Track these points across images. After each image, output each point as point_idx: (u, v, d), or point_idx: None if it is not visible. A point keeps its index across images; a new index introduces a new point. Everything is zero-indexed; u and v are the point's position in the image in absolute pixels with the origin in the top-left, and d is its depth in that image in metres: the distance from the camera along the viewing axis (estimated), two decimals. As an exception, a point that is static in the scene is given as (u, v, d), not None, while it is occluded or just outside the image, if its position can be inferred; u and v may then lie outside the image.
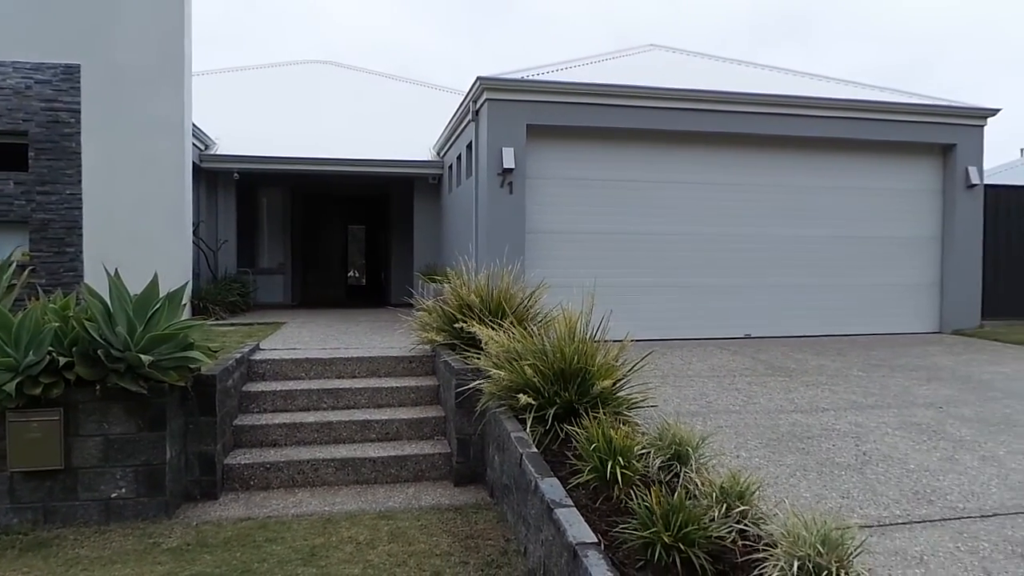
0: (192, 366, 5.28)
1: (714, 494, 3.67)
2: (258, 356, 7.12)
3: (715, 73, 12.90)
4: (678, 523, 3.23)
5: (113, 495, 5.03)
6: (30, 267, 9.32)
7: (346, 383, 6.82)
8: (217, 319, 11.14)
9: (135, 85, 10.68)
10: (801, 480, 4.78)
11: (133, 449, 5.05)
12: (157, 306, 5.21)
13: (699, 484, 3.87)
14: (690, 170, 10.75)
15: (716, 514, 3.48)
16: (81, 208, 10.58)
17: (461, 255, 9.39)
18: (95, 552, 4.55)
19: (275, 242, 16.44)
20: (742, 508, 3.57)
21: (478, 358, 5.71)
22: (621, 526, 3.42)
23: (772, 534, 3.23)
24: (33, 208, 10.48)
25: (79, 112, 10.58)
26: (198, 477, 5.45)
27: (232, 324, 10.45)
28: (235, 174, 14.01)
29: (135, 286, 5.31)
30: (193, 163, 12.19)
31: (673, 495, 3.49)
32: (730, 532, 3.40)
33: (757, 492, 3.75)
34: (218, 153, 13.65)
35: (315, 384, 6.75)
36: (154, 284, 5.31)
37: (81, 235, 10.57)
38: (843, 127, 11.00)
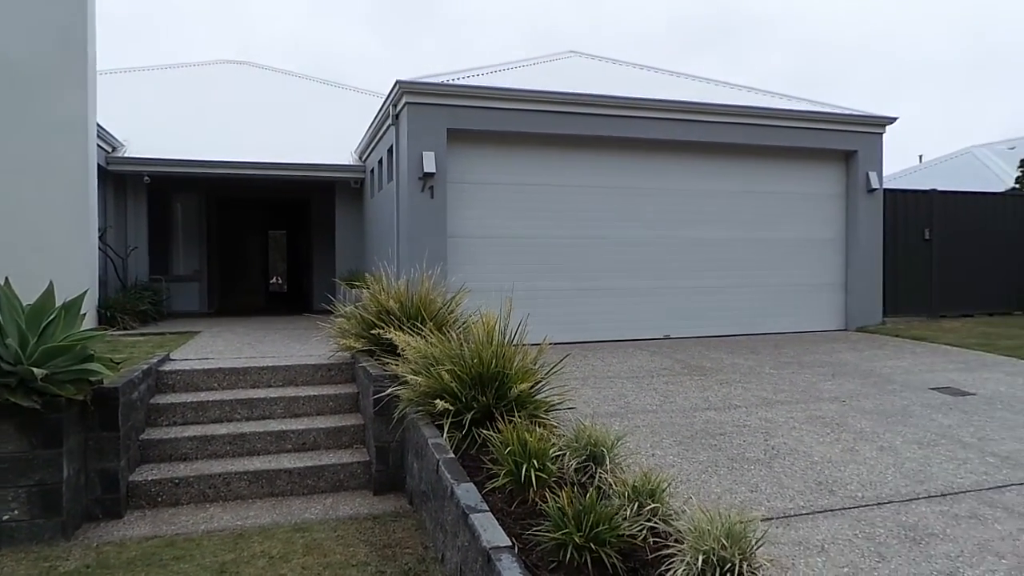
0: (92, 379, 5.03)
1: (626, 493, 3.73)
2: (168, 367, 6.84)
3: (633, 80, 13.20)
4: (589, 523, 3.27)
5: (4, 518, 4.72)
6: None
7: (261, 393, 6.63)
8: (126, 329, 10.65)
9: (32, 82, 10.10)
10: (712, 476, 4.93)
11: (26, 468, 4.76)
12: (52, 316, 4.93)
13: (613, 484, 3.93)
14: (610, 175, 10.95)
15: (628, 513, 3.54)
16: (-27, 213, 9.93)
17: (382, 260, 9.30)
18: (-17, 580, 4.27)
19: (190, 248, 15.85)
20: (653, 506, 3.65)
21: (397, 364, 5.65)
22: (535, 528, 3.44)
23: (680, 530, 3.32)
24: (-82, 214, 9.77)
25: (-31, 111, 9.93)
26: (100, 496, 5.19)
27: (143, 334, 10.02)
28: (145, 177, 13.44)
29: (35, 295, 5.02)
30: (99, 166, 11.63)
31: (585, 496, 3.54)
32: (641, 530, 3.46)
33: (668, 489, 3.84)
34: (127, 156, 13.06)
35: (228, 395, 6.53)
36: (49, 293, 5.03)
37: (-27, 242, 9.92)
38: (753, 133, 11.43)
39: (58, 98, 10.23)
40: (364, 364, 6.34)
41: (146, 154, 13.25)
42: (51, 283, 5.14)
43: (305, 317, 13.19)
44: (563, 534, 3.27)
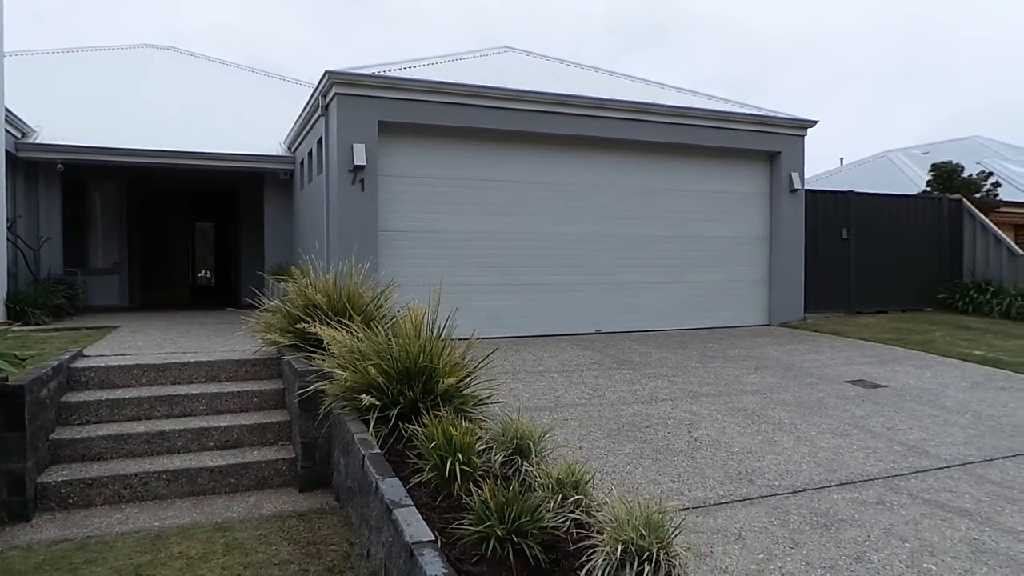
0: (-5, 376, 4.77)
1: (551, 485, 3.77)
2: (81, 363, 6.54)
3: (567, 77, 13.30)
4: (512, 516, 3.29)
5: None
6: None
7: (182, 389, 6.42)
8: (38, 324, 10.12)
9: (-67, 63, 9.50)
10: (637, 467, 5.02)
11: (-79, 471, 4.49)
12: (-49, 310, 4.65)
13: (538, 476, 3.97)
14: (539, 170, 11.00)
15: (552, 505, 3.58)
16: None
17: (311, 254, 9.11)
18: None
19: (109, 240, 15.17)
20: (576, 498, 3.70)
21: (323, 359, 5.55)
22: (459, 522, 3.44)
23: (601, 521, 3.37)
24: None
25: None
26: (5, 498, 4.93)
27: (56, 329, 9.54)
28: (59, 165, 12.77)
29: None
30: (8, 152, 11.01)
31: (509, 489, 3.56)
32: (564, 522, 3.51)
33: (592, 481, 3.90)
34: (38, 142, 12.39)
35: (147, 391, 6.30)
36: (-53, 286, 4.74)
37: None
38: (682, 133, 11.68)
39: (-39, 79, 9.64)
40: (290, 359, 6.22)
41: (60, 140, 12.60)
42: (-50, 275, 4.84)
43: (233, 311, 12.81)
44: (486, 527, 3.29)
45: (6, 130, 10.83)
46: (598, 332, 11.27)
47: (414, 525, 3.46)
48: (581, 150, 11.29)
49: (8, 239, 10.82)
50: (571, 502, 3.66)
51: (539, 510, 3.43)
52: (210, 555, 4.40)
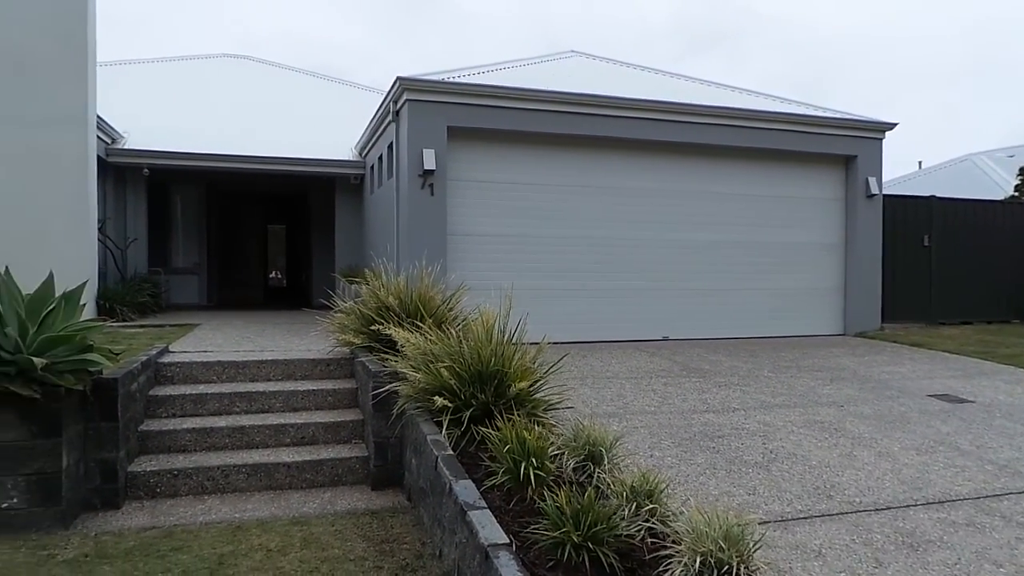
0: (91, 369, 5.03)
1: (625, 493, 3.74)
2: (167, 359, 6.84)
3: (634, 81, 13.21)
4: (588, 522, 3.28)
5: (3, 506, 4.73)
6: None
7: (260, 386, 6.63)
8: (125, 321, 10.63)
9: (33, 73, 10.08)
10: (710, 478, 4.94)
11: (26, 457, 4.76)
12: (52, 306, 4.93)
13: (611, 484, 3.94)
14: (611, 175, 10.96)
15: (626, 513, 3.55)
16: (-27, 202, 9.91)
17: (381, 257, 9.29)
18: (-19, 568, 4.27)
19: (190, 241, 15.84)
20: (651, 507, 3.66)
21: (396, 360, 5.65)
22: (533, 527, 3.45)
23: (678, 531, 3.33)
24: (-82, 201, 9.75)
25: (-30, 100, 9.91)
26: (99, 485, 5.19)
27: (141, 326, 10.01)
28: (145, 170, 13.42)
29: (35, 286, 5.01)
30: (99, 157, 11.61)
31: (584, 495, 3.55)
32: (639, 530, 3.47)
33: (667, 490, 3.85)
34: (127, 148, 13.04)
35: (227, 388, 6.53)
36: (48, 283, 5.03)
37: (-27, 231, 9.90)
38: (751, 137, 11.45)
39: (59, 90, 10.21)
40: (363, 360, 6.35)
41: (145, 146, 13.23)
42: (51, 273, 5.14)
43: (306, 312, 13.19)
44: (561, 533, 3.28)
45: (98, 137, 11.41)
46: (665, 339, 11.13)
47: (489, 528, 3.48)
48: (650, 154, 11.19)
49: (99, 240, 11.40)
50: (646, 511, 3.62)
51: (614, 518, 3.41)
52: (288, 548, 4.53)
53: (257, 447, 6.00)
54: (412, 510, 5.27)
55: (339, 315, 7.35)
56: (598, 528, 3.27)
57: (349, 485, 5.81)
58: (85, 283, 5.59)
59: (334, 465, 5.82)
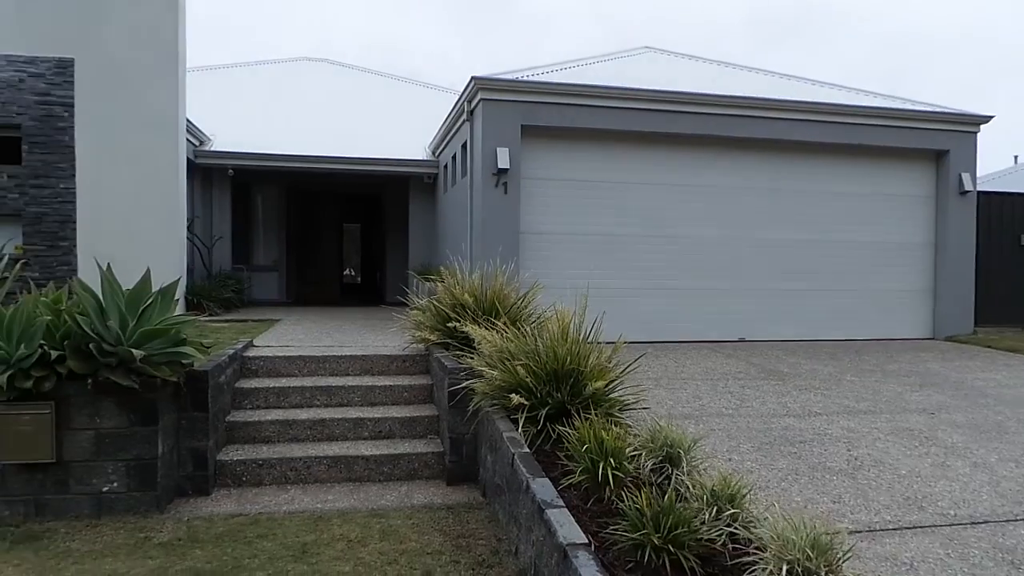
0: (184, 361, 5.27)
1: (705, 496, 3.68)
2: (252, 353, 7.11)
3: (709, 76, 12.94)
4: (668, 525, 3.24)
5: (104, 489, 5.01)
6: (23, 260, 9.28)
7: (339, 381, 6.81)
8: (211, 315, 11.10)
9: (129, 79, 10.65)
10: (792, 484, 4.80)
11: (125, 443, 5.03)
12: (149, 301, 5.19)
13: (690, 486, 3.88)
14: (686, 172, 10.78)
15: (706, 517, 3.49)
16: (75, 202, 10.56)
17: (455, 254, 9.40)
18: (86, 546, 4.54)
19: (270, 239, 16.41)
20: (732, 511, 3.58)
21: (471, 357, 5.71)
22: (612, 527, 3.42)
23: (762, 537, 3.24)
24: (27, 201, 10.45)
25: (72, 106, 10.55)
26: (190, 472, 5.44)
27: (226, 320, 10.42)
28: (229, 171, 13.98)
29: (128, 281, 5.29)
30: (188, 159, 12.15)
31: (663, 497, 3.50)
32: (720, 535, 3.40)
33: (748, 495, 3.76)
34: (213, 149, 13.61)
35: (308, 381, 6.74)
36: (146, 279, 5.29)
37: (75, 229, 10.55)
38: (836, 132, 11.04)
39: (152, 95, 10.75)
40: (439, 356, 6.44)
41: (230, 148, 13.78)
42: (148, 269, 5.40)
43: (381, 308, 13.50)
44: (641, 535, 3.25)
45: (187, 139, 11.94)
46: (741, 340, 10.88)
47: (567, 527, 3.47)
48: (724, 151, 10.95)
49: (187, 238, 11.93)
50: (727, 515, 3.55)
51: (694, 521, 3.36)
52: (367, 539, 4.64)
53: (337, 440, 6.17)
54: (487, 506, 5.32)
55: (415, 312, 7.47)
56: (679, 531, 3.23)
57: (425, 480, 5.90)
58: (179, 279, 5.87)
59: (410, 460, 5.93)
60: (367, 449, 5.96)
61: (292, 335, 8.87)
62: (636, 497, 3.49)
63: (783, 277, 11.19)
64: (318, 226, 21.04)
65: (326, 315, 12.14)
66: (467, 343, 6.25)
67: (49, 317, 4.92)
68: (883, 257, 11.62)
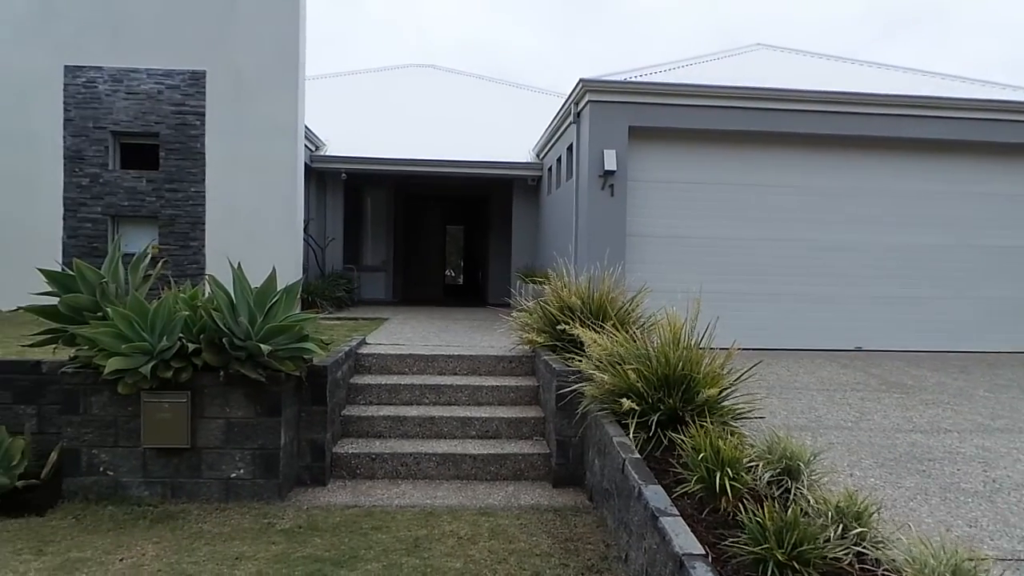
0: (306, 356, 5.53)
1: (829, 513, 3.52)
2: (364, 350, 7.37)
3: (824, 72, 12.37)
4: (793, 540, 3.11)
5: (232, 475, 5.33)
6: (162, 259, 10.00)
7: (447, 380, 6.96)
8: (324, 313, 11.59)
9: (254, 89, 11.29)
10: (922, 504, 4.51)
11: (251, 433, 5.33)
12: (275, 299, 5.47)
13: (812, 501, 3.73)
14: (799, 173, 10.35)
15: (832, 534, 3.34)
16: (204, 205, 11.28)
17: (560, 257, 9.41)
18: (216, 528, 4.84)
19: (378, 241, 16.97)
20: (860, 529, 3.41)
21: (579, 360, 5.69)
22: (730, 540, 3.33)
23: (895, 560, 3.08)
24: (162, 204, 11.25)
25: (204, 115, 11.28)
26: (309, 463, 5.70)
27: (338, 318, 10.85)
28: (343, 174, 14.56)
29: (250, 279, 5.60)
30: (304, 164, 12.74)
31: (786, 511, 3.38)
32: (846, 553, 3.25)
33: (876, 514, 3.57)
34: (327, 154, 14.21)
35: (418, 379, 6.92)
36: (272, 278, 5.58)
37: (204, 230, 11.27)
38: (964, 128, 10.29)
39: (274, 103, 11.35)
40: (546, 358, 6.46)
41: (344, 152, 14.35)
42: (274, 268, 5.70)
43: (484, 309, 13.72)
44: (763, 549, 3.14)
45: (305, 145, 12.53)
46: (859, 349, 10.34)
47: (683, 536, 3.41)
48: (841, 151, 10.44)
49: (303, 239, 12.51)
50: (854, 534, 3.38)
51: (821, 538, 3.21)
52: (477, 537, 4.71)
53: (445, 437, 6.30)
54: (594, 510, 5.29)
55: (521, 314, 7.53)
56: (805, 547, 3.10)
57: (531, 480, 5.94)
58: (302, 278, 6.17)
59: (516, 460, 5.98)
60: (474, 448, 6.05)
61: (401, 334, 9.13)
62: (757, 510, 3.38)
63: (906, 283, 10.54)
64: (423, 228, 21.61)
65: (431, 315, 12.43)
66: (574, 346, 6.24)
67: (187, 312, 5.28)
68: (1020, 262, 10.74)
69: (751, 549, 3.18)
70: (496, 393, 6.82)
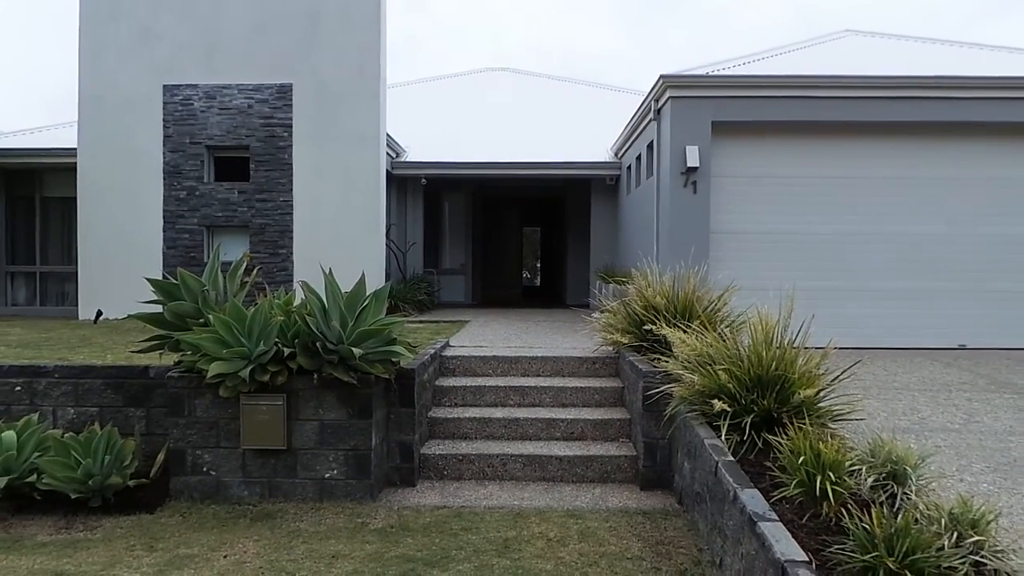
0: (395, 359, 5.64)
1: (943, 520, 3.33)
2: (448, 352, 7.46)
3: (920, 56, 11.75)
4: (904, 549, 2.96)
5: (326, 476, 5.49)
6: (257, 267, 10.43)
7: (531, 381, 6.97)
8: (406, 316, 11.81)
9: (338, 100, 11.63)
10: (1044, 512, 4.21)
11: (344, 435, 5.48)
12: (365, 303, 5.61)
13: (922, 507, 3.54)
14: (895, 164, 9.86)
15: (945, 543, 3.16)
16: (292, 213, 11.70)
17: (645, 255, 9.27)
18: (312, 527, 4.99)
19: (457, 244, 17.18)
20: (976, 538, 3.21)
21: (666, 361, 5.59)
22: (836, 547, 3.20)
23: (1017, 572, 2.88)
24: (253, 214, 11.73)
25: (291, 127, 11.70)
26: (398, 464, 5.81)
27: (421, 321, 11.04)
28: (423, 180, 14.81)
29: (340, 285, 5.75)
30: (386, 170, 13.02)
31: (896, 517, 3.22)
32: (963, 563, 3.07)
33: (994, 522, 3.36)
34: (408, 160, 14.49)
35: (502, 381, 6.96)
36: (362, 283, 5.73)
37: (292, 238, 11.69)
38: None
39: (358, 113, 11.66)
40: (631, 359, 6.38)
41: (423, 158, 14.60)
42: (363, 273, 5.87)
43: (563, 310, 13.69)
44: (872, 557, 3.00)
45: (386, 152, 12.81)
46: (962, 347, 9.77)
47: (784, 542, 3.29)
48: (937, 138, 9.87)
49: (386, 244, 12.80)
50: (971, 542, 3.19)
51: (933, 546, 3.04)
52: (566, 539, 4.69)
53: (530, 439, 6.31)
54: (684, 514, 5.18)
55: (605, 315, 7.47)
56: (917, 556, 2.95)
57: (618, 483, 5.88)
58: (390, 283, 6.32)
59: (603, 462, 5.93)
60: (560, 450, 6.04)
61: (483, 336, 9.21)
62: (863, 516, 3.23)
63: (1015, 277, 9.89)
64: (500, 230, 21.78)
65: (511, 317, 12.48)
66: (659, 346, 6.14)
67: (282, 318, 5.48)
68: None
69: (859, 557, 3.04)
70: (580, 394, 6.78)
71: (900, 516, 3.20)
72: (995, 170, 9.90)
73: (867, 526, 3.13)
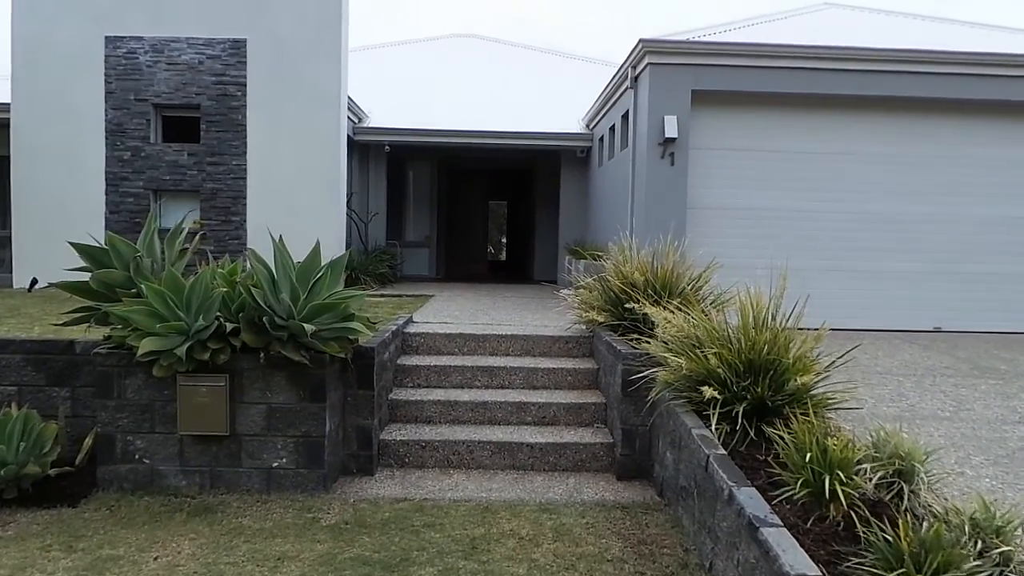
0: (352, 337, 5.12)
1: (964, 525, 2.98)
2: (411, 329, 6.96)
3: (902, 31, 11.45)
4: (935, 566, 2.59)
5: (274, 464, 4.97)
6: (200, 233, 9.74)
7: (500, 361, 6.51)
8: (367, 289, 11.24)
9: (296, 59, 10.89)
10: (1054, 511, 3.91)
11: (294, 419, 4.96)
12: (319, 275, 5.07)
13: (938, 510, 3.19)
14: (877, 140, 9.56)
15: (968, 552, 2.80)
16: (246, 178, 10.99)
17: (622, 229, 8.84)
18: (257, 523, 4.48)
19: (421, 216, 16.56)
20: (1003, 548, 2.87)
21: (647, 342, 5.18)
22: (854, 560, 2.81)
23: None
24: (204, 178, 10.98)
25: (245, 85, 10.94)
26: (355, 451, 5.32)
27: (382, 295, 10.49)
28: (386, 147, 14.14)
29: (293, 254, 5.19)
30: (347, 136, 12.33)
31: (920, 523, 2.85)
32: (993, 578, 2.72)
33: (1020, 529, 3.02)
34: (370, 126, 13.79)
35: (469, 361, 6.49)
36: (316, 252, 5.18)
37: (245, 204, 10.99)
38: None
39: (316, 73, 10.94)
40: (608, 339, 5.95)
41: (387, 124, 13.90)
42: (318, 241, 5.29)
43: (531, 286, 13.26)
44: (898, 575, 2.62)
45: (347, 116, 12.11)
46: (937, 330, 9.59)
47: (791, 552, 2.90)
48: (921, 114, 9.59)
49: (346, 213, 12.16)
50: (997, 553, 2.84)
51: (963, 565, 2.68)
52: (540, 538, 4.27)
53: (499, 423, 5.87)
54: (666, 508, 4.80)
55: (580, 291, 7.02)
56: (949, 574, 2.57)
57: (593, 472, 5.48)
58: (348, 252, 5.77)
59: (577, 450, 5.52)
60: (531, 436, 5.60)
61: (448, 311, 8.71)
62: (881, 523, 2.86)
63: (994, 259, 9.70)
64: (466, 203, 21.19)
65: (477, 291, 12.00)
66: (638, 326, 5.72)
67: (225, 289, 4.91)
68: None
69: (882, 573, 2.66)
70: (553, 376, 6.35)
71: (925, 525, 2.83)
72: (974, 148, 9.67)
73: (889, 537, 2.75)
